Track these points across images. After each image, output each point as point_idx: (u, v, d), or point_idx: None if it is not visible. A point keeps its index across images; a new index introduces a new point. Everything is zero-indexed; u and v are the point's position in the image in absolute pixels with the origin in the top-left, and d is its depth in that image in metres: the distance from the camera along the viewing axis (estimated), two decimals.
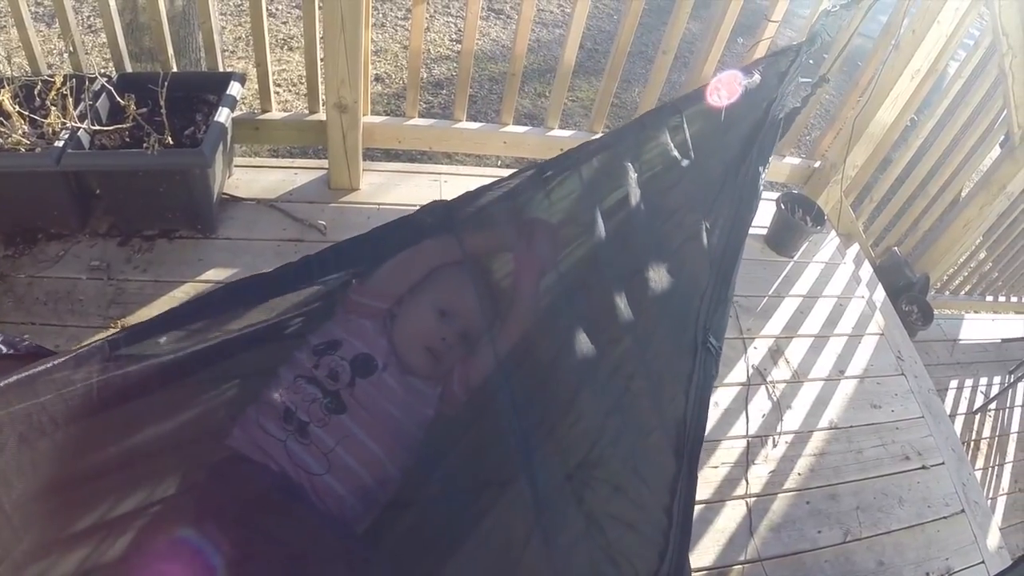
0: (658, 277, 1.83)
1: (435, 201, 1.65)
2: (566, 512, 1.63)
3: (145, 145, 2.46)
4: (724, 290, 1.89)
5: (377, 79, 6.23)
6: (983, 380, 4.64)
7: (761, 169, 1.99)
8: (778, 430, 2.84)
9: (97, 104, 2.60)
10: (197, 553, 1.37)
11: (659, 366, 1.82)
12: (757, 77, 2.00)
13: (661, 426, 1.76)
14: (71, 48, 2.72)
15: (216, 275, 2.71)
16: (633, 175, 1.84)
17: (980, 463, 4.24)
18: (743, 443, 2.75)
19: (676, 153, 1.90)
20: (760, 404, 2.91)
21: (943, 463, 3.00)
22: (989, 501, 3.77)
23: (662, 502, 1.69)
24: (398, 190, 3.26)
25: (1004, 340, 4.94)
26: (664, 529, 1.67)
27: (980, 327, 4.98)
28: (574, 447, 1.69)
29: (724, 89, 1.92)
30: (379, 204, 3.16)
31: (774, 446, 2.80)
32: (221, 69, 3.01)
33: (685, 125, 1.91)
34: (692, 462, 1.74)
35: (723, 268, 1.91)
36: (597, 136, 3.37)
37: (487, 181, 1.69)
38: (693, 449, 1.75)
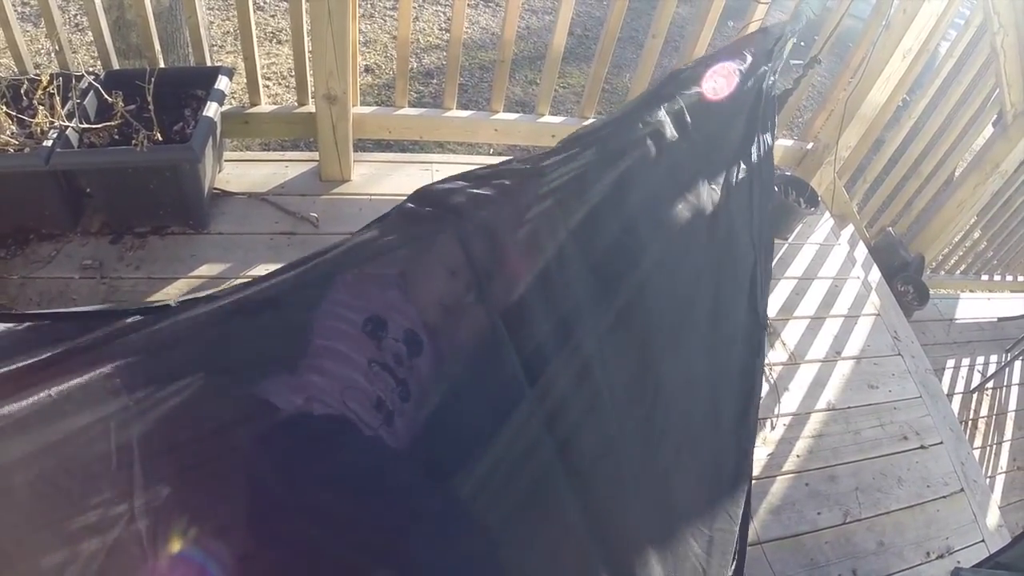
0: (697, 268, 1.85)
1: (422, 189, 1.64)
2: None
3: (134, 142, 2.45)
4: (768, 266, 1.91)
5: (367, 70, 6.21)
6: (980, 359, 4.64)
7: (770, 139, 2.01)
8: (776, 412, 2.84)
9: (85, 102, 2.58)
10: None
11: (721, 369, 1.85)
12: (749, 58, 2.00)
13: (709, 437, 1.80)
14: (58, 47, 2.70)
15: (209, 270, 2.70)
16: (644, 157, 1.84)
17: (978, 442, 4.25)
18: None
19: (675, 133, 1.90)
20: None
21: (941, 443, 3.00)
22: (988, 480, 3.78)
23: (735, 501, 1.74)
24: (389, 180, 3.24)
25: (1000, 319, 4.95)
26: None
27: (976, 306, 4.99)
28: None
29: (722, 81, 1.93)
30: (371, 195, 3.14)
31: (772, 428, 2.80)
32: (209, 63, 3.00)
33: (686, 111, 1.91)
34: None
35: (763, 243, 1.92)
36: (589, 121, 3.36)
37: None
38: (746, 456, 1.79)
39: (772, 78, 2.05)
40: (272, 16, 6.57)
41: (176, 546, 1.37)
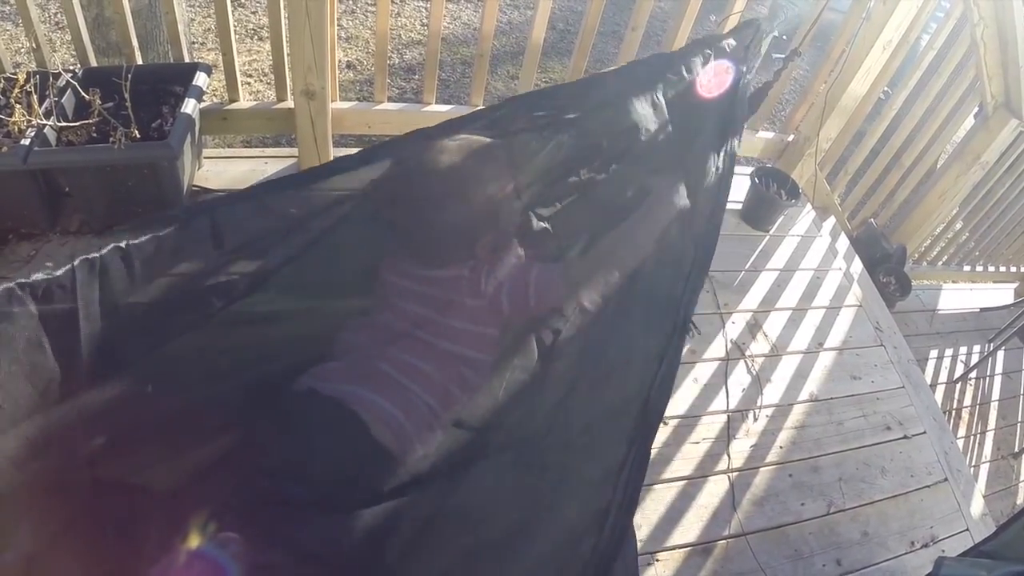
0: (636, 264, 1.84)
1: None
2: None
3: (112, 140, 2.43)
4: (704, 273, 1.89)
5: (348, 66, 6.19)
6: (963, 349, 4.67)
7: (736, 142, 1.99)
8: (758, 404, 2.85)
9: (63, 100, 2.55)
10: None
11: (622, 353, 1.82)
12: (734, 42, 2.00)
13: (620, 405, 1.76)
14: (35, 44, 2.68)
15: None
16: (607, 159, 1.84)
17: (962, 431, 4.27)
18: (724, 418, 2.75)
19: (653, 127, 1.90)
20: (740, 378, 2.91)
21: (925, 432, 3.01)
22: (972, 469, 3.80)
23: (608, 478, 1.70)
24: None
25: (983, 309, 4.98)
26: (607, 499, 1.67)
27: (958, 297, 5.02)
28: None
29: (708, 80, 1.93)
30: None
31: (755, 420, 2.80)
32: (188, 60, 2.97)
33: (663, 101, 1.91)
34: (646, 438, 1.73)
35: (705, 250, 1.91)
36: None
37: None
38: (650, 424, 1.74)
39: (747, 77, 2.04)
40: (253, 12, 6.54)
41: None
